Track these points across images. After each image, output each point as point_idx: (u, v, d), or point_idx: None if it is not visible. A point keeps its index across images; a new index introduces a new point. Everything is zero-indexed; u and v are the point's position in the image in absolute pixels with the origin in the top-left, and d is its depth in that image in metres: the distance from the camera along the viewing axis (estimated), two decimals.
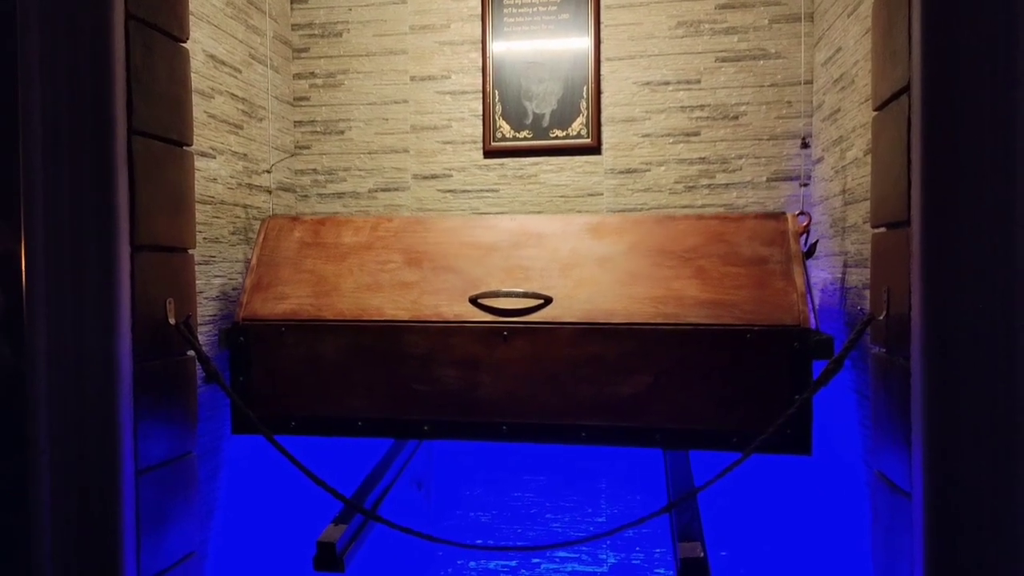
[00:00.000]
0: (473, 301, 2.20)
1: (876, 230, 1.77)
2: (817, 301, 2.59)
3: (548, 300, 2.17)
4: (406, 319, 2.22)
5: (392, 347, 2.22)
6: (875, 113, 1.76)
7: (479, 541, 2.93)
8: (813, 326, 2.05)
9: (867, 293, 1.95)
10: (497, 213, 2.99)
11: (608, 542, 2.83)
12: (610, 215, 2.89)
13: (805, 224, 2.27)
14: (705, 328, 2.08)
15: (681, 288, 2.15)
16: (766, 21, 2.81)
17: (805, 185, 2.75)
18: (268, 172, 2.83)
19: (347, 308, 2.27)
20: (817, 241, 2.44)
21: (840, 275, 2.37)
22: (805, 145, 2.75)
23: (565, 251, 2.29)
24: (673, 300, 2.13)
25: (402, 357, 2.21)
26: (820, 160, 2.65)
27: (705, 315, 2.09)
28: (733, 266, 2.17)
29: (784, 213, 2.27)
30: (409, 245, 2.38)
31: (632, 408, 2.10)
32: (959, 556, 1.35)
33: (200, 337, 2.22)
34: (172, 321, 1.91)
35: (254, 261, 2.41)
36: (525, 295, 2.17)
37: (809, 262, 2.33)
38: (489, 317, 2.18)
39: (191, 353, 2.00)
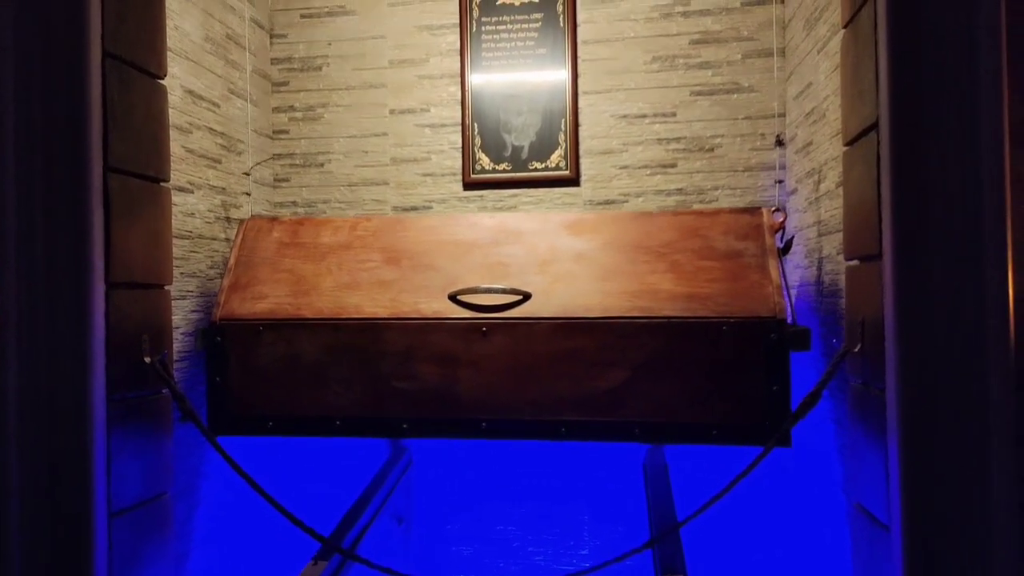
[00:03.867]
0: (452, 298, 2.20)
1: (849, 263, 1.80)
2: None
3: (527, 296, 2.17)
4: (385, 316, 2.22)
5: (371, 345, 2.21)
6: (845, 148, 1.79)
7: None
8: (789, 318, 2.06)
9: (842, 324, 1.97)
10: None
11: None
12: (587, 212, 2.91)
13: (781, 220, 2.29)
14: (680, 321, 2.09)
15: (656, 282, 2.17)
16: (739, 56, 2.87)
17: (780, 182, 2.79)
18: (247, 175, 2.82)
19: (326, 307, 2.26)
20: (792, 237, 2.44)
21: (816, 304, 2.40)
22: (780, 143, 2.80)
23: (543, 248, 2.31)
24: (649, 294, 2.15)
25: (381, 355, 2.20)
26: (795, 191, 2.69)
27: (681, 308, 2.11)
28: (708, 260, 2.20)
29: (759, 208, 2.30)
30: (388, 244, 2.39)
31: (611, 402, 2.11)
32: None
33: (176, 374, 2.19)
34: (147, 359, 1.88)
35: (232, 261, 2.40)
36: (504, 291, 2.18)
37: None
38: (468, 313, 2.19)
39: (167, 391, 1.97)
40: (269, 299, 2.31)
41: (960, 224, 1.38)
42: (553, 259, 2.28)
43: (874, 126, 1.57)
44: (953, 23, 1.39)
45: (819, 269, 2.36)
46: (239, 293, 2.33)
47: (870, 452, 1.64)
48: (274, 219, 2.52)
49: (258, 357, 2.26)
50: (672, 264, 2.20)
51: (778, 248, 2.20)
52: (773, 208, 2.43)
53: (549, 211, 2.99)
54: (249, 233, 2.47)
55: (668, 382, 2.09)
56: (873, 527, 1.61)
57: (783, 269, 2.17)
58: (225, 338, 2.27)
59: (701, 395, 2.07)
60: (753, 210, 2.29)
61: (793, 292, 2.66)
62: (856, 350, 1.73)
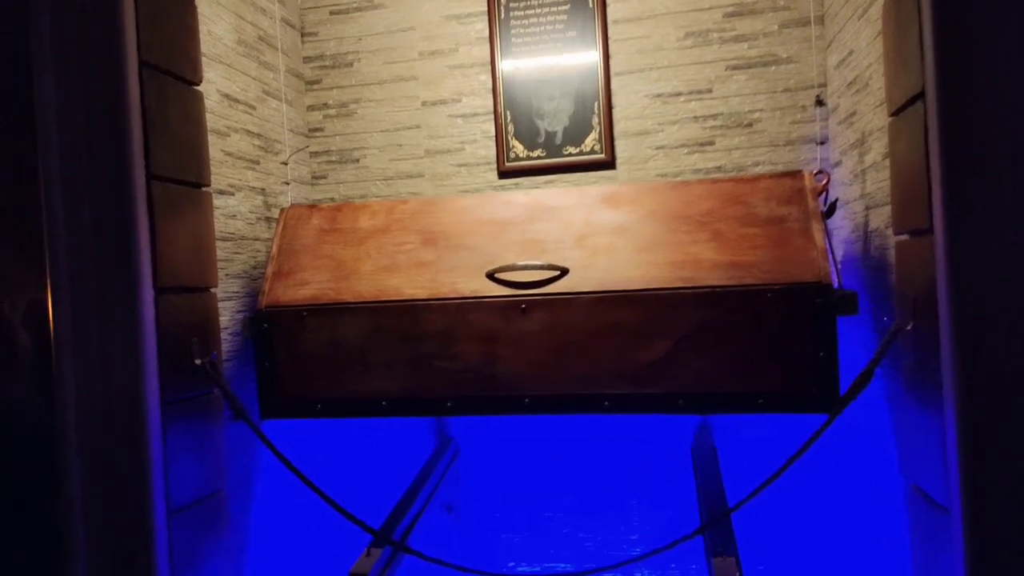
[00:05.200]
0: (490, 276, 2.21)
1: (898, 237, 1.74)
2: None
3: (565, 271, 2.17)
4: (424, 297, 2.24)
5: (412, 326, 2.23)
6: (891, 119, 1.73)
7: (511, 563, 2.92)
8: (835, 283, 2.01)
9: (893, 300, 1.91)
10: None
11: (643, 562, 2.79)
12: (623, 184, 2.88)
13: (823, 183, 2.21)
14: (724, 290, 2.06)
15: (699, 252, 2.14)
16: (775, 27, 2.78)
17: (822, 143, 2.71)
18: (285, 164, 2.86)
19: (366, 290, 2.29)
20: (836, 200, 2.37)
21: (865, 280, 2.33)
22: (820, 103, 2.71)
23: (579, 222, 2.29)
24: (691, 264, 2.12)
25: (422, 335, 2.23)
26: (839, 164, 2.61)
27: (724, 277, 2.07)
28: (750, 227, 2.15)
29: (801, 171, 2.24)
30: (425, 226, 2.41)
31: (654, 374, 2.09)
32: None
33: (226, 372, 2.24)
34: (198, 361, 1.93)
35: (274, 250, 2.45)
36: (541, 267, 2.17)
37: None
38: (506, 291, 2.19)
39: (217, 391, 2.02)
40: (311, 285, 2.35)
41: (1013, 196, 1.32)
42: (590, 233, 2.26)
43: (920, 95, 1.51)
44: None
45: (867, 243, 2.30)
46: (282, 280, 2.38)
47: (926, 432, 1.59)
48: (312, 206, 2.55)
49: (303, 342, 2.30)
50: (714, 233, 2.16)
51: (821, 212, 2.14)
52: (815, 171, 2.34)
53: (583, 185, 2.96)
54: (290, 221, 2.52)
55: (713, 352, 2.06)
56: (932, 509, 1.57)
57: (828, 232, 2.10)
58: (271, 325, 2.32)
59: (746, 364, 2.04)
60: (794, 173, 2.22)
61: (839, 265, 2.59)
62: (908, 328, 1.67)
